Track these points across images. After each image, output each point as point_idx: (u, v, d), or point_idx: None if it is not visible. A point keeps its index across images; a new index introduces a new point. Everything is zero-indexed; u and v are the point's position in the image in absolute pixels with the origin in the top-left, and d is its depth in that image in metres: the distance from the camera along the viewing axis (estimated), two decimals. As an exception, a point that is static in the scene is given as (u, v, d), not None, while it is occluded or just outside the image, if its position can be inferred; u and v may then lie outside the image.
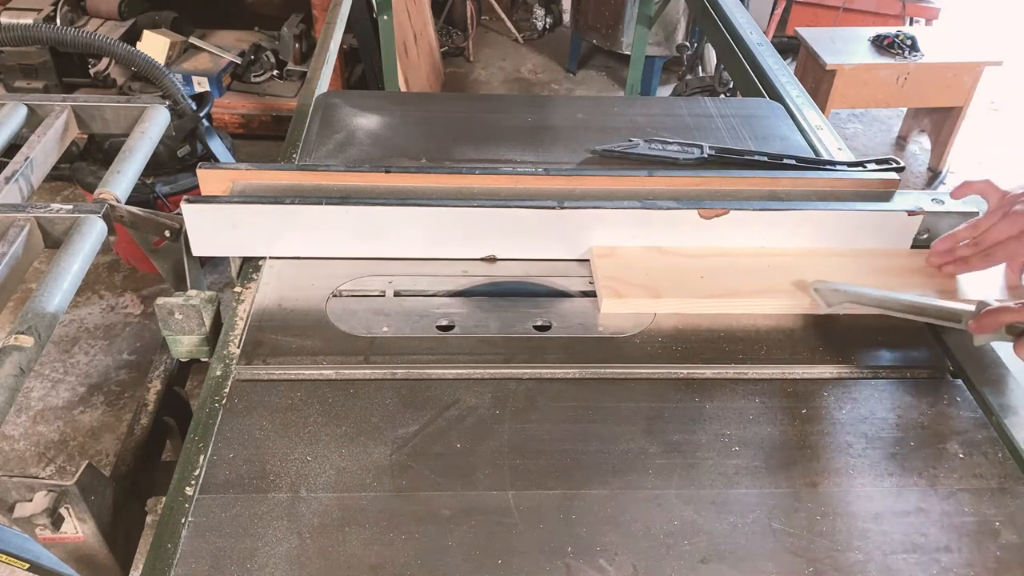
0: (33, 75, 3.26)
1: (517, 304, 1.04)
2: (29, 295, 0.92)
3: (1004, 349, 0.95)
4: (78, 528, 0.84)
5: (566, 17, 4.91)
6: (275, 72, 3.66)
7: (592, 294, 1.05)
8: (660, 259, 1.07)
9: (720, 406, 0.91)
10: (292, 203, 1.04)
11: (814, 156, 1.35)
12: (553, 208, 1.06)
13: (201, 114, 1.45)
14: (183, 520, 0.76)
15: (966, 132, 3.73)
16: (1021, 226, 1.00)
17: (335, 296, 1.04)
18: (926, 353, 0.98)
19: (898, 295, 0.98)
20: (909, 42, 3.40)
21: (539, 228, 1.07)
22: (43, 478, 0.81)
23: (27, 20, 3.03)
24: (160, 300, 0.98)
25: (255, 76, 3.62)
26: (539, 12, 4.87)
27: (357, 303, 1.03)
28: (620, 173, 1.20)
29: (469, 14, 4.52)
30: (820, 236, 1.10)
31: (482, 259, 1.10)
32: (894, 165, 1.22)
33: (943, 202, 1.10)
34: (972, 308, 0.90)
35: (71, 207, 1.05)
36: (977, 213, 1.10)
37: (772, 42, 1.84)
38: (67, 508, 0.82)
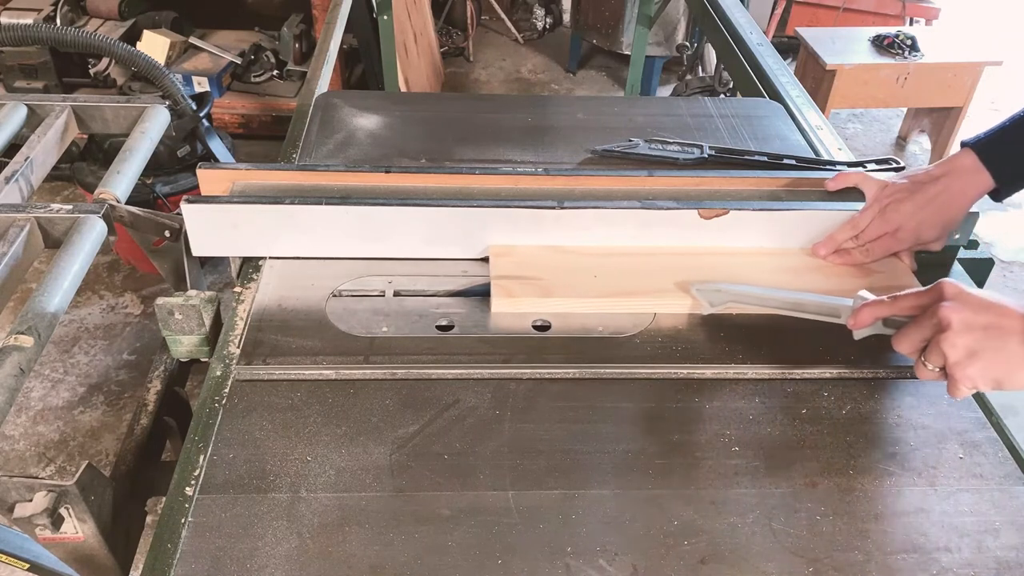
0: (33, 75, 3.26)
1: (517, 304, 1.04)
2: (29, 295, 0.92)
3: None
4: (78, 528, 0.84)
5: (566, 17, 4.90)
6: (275, 72, 3.66)
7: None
8: (556, 258, 1.07)
9: (720, 406, 0.91)
10: (292, 203, 1.04)
11: (814, 156, 1.35)
12: (553, 208, 1.06)
13: (201, 114, 1.44)
14: (183, 520, 0.76)
15: (966, 132, 3.72)
16: (894, 223, 1.05)
17: (335, 296, 1.04)
18: (926, 353, 0.98)
19: (779, 293, 0.99)
20: (909, 42, 3.40)
21: (539, 228, 1.07)
22: (43, 478, 0.81)
23: (27, 20, 3.03)
24: (160, 300, 0.98)
25: (255, 76, 3.62)
26: (539, 12, 4.86)
27: (357, 303, 1.03)
28: (620, 173, 1.20)
29: (469, 14, 4.51)
30: (820, 236, 1.10)
31: (482, 259, 1.10)
32: (894, 165, 1.22)
33: (943, 202, 1.09)
34: (850, 303, 0.90)
35: (71, 207, 1.05)
36: (977, 213, 1.10)
37: (772, 42, 1.84)
38: (67, 508, 0.82)
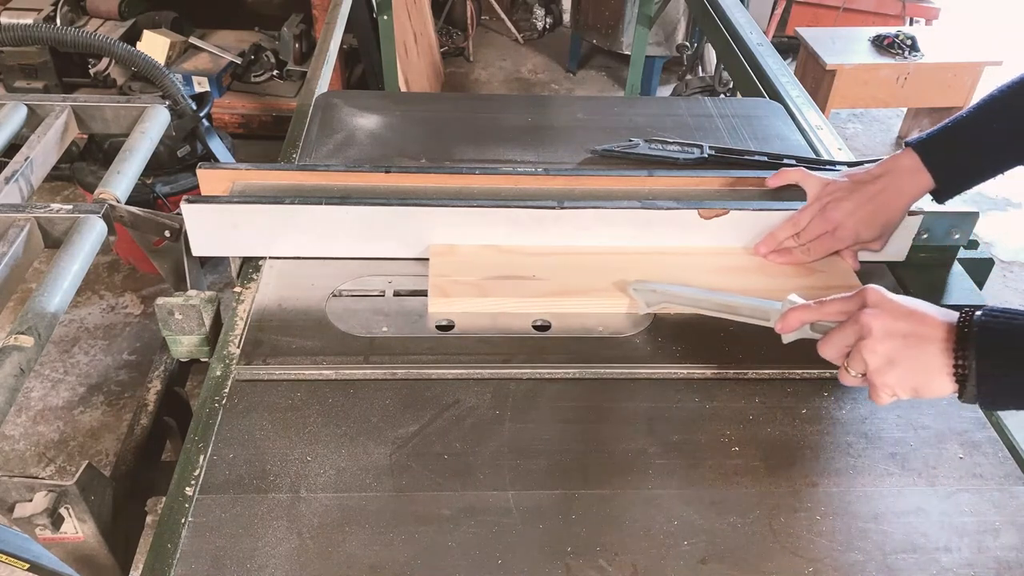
0: (33, 75, 3.25)
1: (517, 304, 1.04)
2: (29, 295, 0.92)
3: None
4: (78, 528, 0.84)
5: (566, 17, 4.90)
6: (275, 72, 3.65)
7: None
8: (496, 257, 1.07)
9: (720, 406, 0.91)
10: (292, 203, 1.04)
11: (814, 156, 1.35)
12: (553, 208, 1.06)
13: (201, 114, 1.44)
14: (183, 520, 0.76)
15: (966, 132, 3.72)
16: (833, 221, 1.04)
17: (335, 296, 1.04)
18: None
19: (712, 295, 0.99)
20: (909, 42, 3.40)
21: (538, 228, 1.07)
22: (43, 478, 0.81)
23: (27, 20, 3.03)
24: (160, 300, 0.98)
25: (255, 76, 3.62)
26: (539, 12, 4.86)
27: (357, 303, 1.03)
28: (620, 173, 1.20)
29: (469, 14, 4.51)
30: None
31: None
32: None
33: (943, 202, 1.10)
34: (779, 307, 0.90)
35: (71, 207, 1.05)
36: (977, 213, 1.10)
37: (772, 42, 1.84)
38: (67, 508, 0.82)
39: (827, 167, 1.26)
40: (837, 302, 0.83)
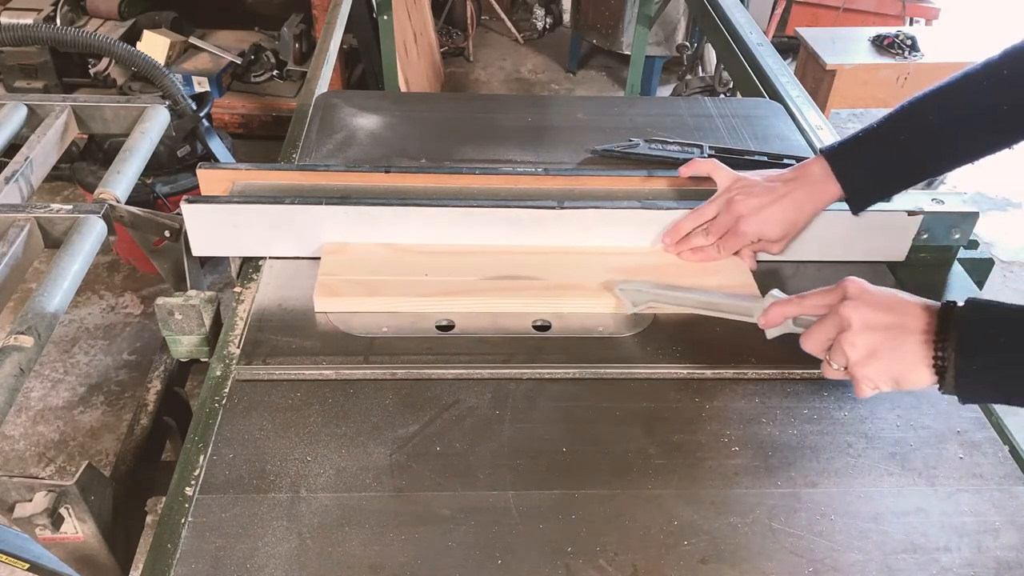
0: (33, 75, 3.25)
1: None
2: (29, 295, 0.92)
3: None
4: (78, 528, 0.84)
5: (566, 17, 4.90)
6: (275, 72, 3.65)
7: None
8: (389, 257, 1.06)
9: (720, 406, 0.91)
10: (292, 203, 1.04)
11: (814, 156, 1.35)
12: (553, 208, 1.06)
13: (201, 114, 1.44)
14: (183, 520, 0.76)
15: (966, 132, 3.72)
16: (736, 213, 1.02)
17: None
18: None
19: (696, 293, 0.99)
20: (909, 42, 3.40)
21: (538, 228, 1.07)
22: (43, 478, 0.81)
23: (27, 20, 3.03)
24: (160, 300, 0.98)
25: (255, 76, 3.62)
26: (539, 12, 4.86)
27: (357, 303, 1.03)
28: (620, 173, 1.20)
29: (469, 14, 4.51)
30: (819, 237, 1.09)
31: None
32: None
33: (943, 202, 1.10)
34: (762, 302, 0.90)
35: (71, 207, 1.05)
36: (977, 213, 1.10)
37: (772, 42, 1.83)
38: (67, 508, 0.82)
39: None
40: (818, 295, 0.83)
